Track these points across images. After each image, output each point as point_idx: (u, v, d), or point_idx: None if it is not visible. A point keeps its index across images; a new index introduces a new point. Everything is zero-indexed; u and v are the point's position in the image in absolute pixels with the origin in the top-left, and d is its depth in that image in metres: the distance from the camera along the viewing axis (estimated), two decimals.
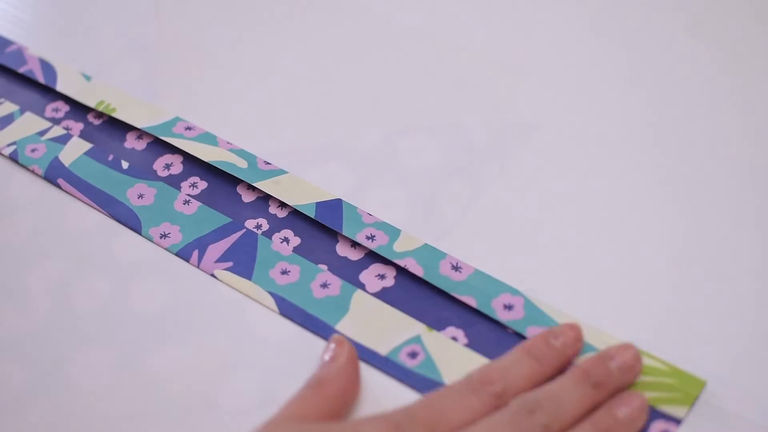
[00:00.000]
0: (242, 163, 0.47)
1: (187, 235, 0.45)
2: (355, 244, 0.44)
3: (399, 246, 0.43)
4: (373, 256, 0.43)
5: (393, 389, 0.40)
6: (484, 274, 0.42)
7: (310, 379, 0.38)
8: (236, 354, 0.41)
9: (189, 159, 0.48)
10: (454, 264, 0.42)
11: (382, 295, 0.42)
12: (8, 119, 0.51)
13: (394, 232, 0.43)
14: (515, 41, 0.54)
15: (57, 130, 0.50)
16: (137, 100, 0.50)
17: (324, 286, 0.43)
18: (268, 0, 0.56)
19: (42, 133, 0.50)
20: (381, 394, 0.40)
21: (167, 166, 0.48)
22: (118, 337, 0.42)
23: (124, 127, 0.50)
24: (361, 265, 0.43)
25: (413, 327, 0.41)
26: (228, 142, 0.48)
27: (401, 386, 0.40)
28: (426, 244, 0.43)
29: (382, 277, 0.42)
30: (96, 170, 0.48)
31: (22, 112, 0.51)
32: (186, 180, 0.47)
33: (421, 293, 0.42)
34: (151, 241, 0.45)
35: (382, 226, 0.44)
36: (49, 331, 0.43)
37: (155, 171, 0.48)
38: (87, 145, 0.49)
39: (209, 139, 0.48)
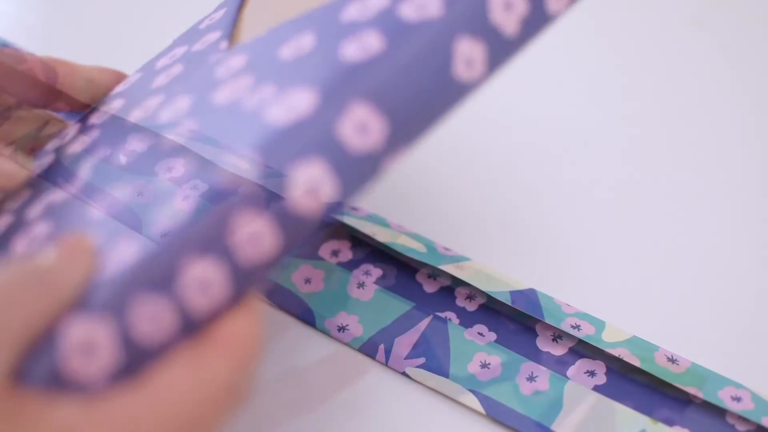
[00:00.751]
0: (421, 248, 0.43)
1: (369, 327, 0.42)
2: (556, 339, 0.41)
3: (607, 336, 0.41)
4: (578, 351, 0.41)
5: (395, 390, 0.40)
6: (702, 368, 0.40)
7: None
8: None
9: (359, 245, 0.45)
10: (670, 356, 0.40)
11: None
12: None
13: (599, 323, 0.41)
14: None
15: None
16: None
17: (531, 379, 0.40)
18: None
19: None
20: (383, 394, 0.40)
21: (335, 253, 0.44)
22: None
23: None
24: (566, 361, 0.41)
25: (636, 421, 0.39)
26: (400, 225, 0.45)
27: (403, 387, 0.40)
28: (635, 336, 0.41)
29: (592, 374, 0.40)
30: None
31: None
32: (358, 268, 0.44)
33: (637, 389, 0.40)
34: (329, 335, 0.42)
35: (586, 316, 0.41)
36: None
37: (322, 258, 0.44)
38: None
39: (379, 220, 0.45)
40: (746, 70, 0.53)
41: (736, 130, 0.50)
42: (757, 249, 0.45)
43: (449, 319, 0.42)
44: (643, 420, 0.39)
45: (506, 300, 0.41)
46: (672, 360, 0.40)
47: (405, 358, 0.41)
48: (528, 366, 0.40)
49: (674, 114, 0.51)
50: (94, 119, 0.46)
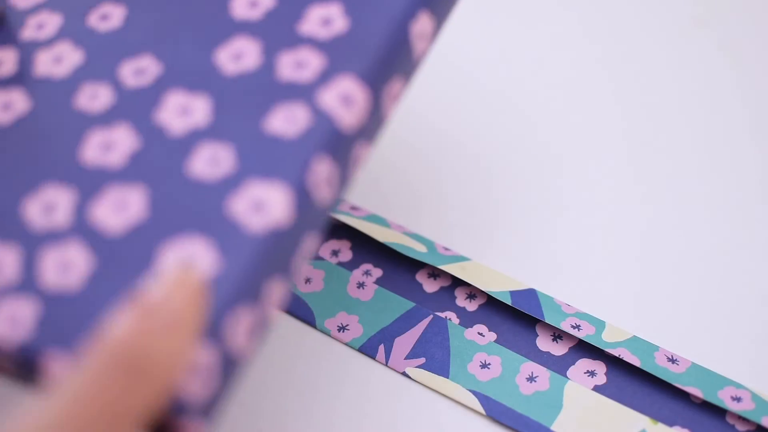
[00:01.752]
0: (421, 248, 0.43)
1: (369, 327, 0.42)
2: (556, 339, 0.41)
3: (608, 336, 0.41)
4: (578, 351, 0.41)
5: (395, 390, 0.40)
6: (702, 368, 0.40)
7: None
8: None
9: (359, 245, 0.45)
10: (670, 356, 0.40)
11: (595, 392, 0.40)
12: None
13: (599, 323, 0.41)
14: (512, 40, 0.54)
15: None
16: None
17: (531, 379, 0.40)
18: None
19: None
20: (386, 393, 0.40)
21: (335, 253, 0.44)
22: None
23: None
24: (567, 360, 0.41)
25: (636, 421, 0.39)
26: (400, 225, 0.45)
27: (403, 387, 0.40)
28: (635, 336, 0.41)
29: (592, 374, 0.40)
30: None
31: None
32: (358, 268, 0.44)
33: (637, 389, 0.40)
34: (329, 335, 0.42)
35: (586, 316, 0.41)
36: None
37: (322, 258, 0.44)
38: None
39: (379, 220, 0.45)
40: (748, 70, 0.53)
41: (736, 131, 0.50)
42: (758, 249, 0.45)
43: (449, 319, 0.42)
44: (643, 420, 0.39)
45: (506, 300, 0.41)
46: (672, 360, 0.40)
47: (405, 358, 0.41)
48: (528, 366, 0.40)
49: (676, 114, 0.51)
50: None
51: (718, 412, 0.39)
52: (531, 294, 0.42)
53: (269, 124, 0.30)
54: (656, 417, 0.39)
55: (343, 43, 0.31)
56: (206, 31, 0.32)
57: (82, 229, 0.29)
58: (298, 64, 0.31)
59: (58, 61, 0.33)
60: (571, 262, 0.44)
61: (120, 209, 0.29)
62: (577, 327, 0.41)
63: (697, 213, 0.46)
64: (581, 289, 0.43)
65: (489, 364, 0.41)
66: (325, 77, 0.30)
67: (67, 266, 0.28)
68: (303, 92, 0.30)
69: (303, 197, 0.29)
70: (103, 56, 0.32)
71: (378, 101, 0.31)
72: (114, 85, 0.32)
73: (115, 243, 0.28)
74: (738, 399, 0.38)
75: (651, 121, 0.50)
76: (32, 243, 0.29)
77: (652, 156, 0.49)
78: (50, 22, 0.34)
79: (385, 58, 0.31)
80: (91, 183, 0.29)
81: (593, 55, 0.54)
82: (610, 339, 0.40)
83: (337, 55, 0.31)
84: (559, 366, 0.40)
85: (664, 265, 0.44)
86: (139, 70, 0.32)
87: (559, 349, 0.41)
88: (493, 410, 0.39)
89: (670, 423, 0.38)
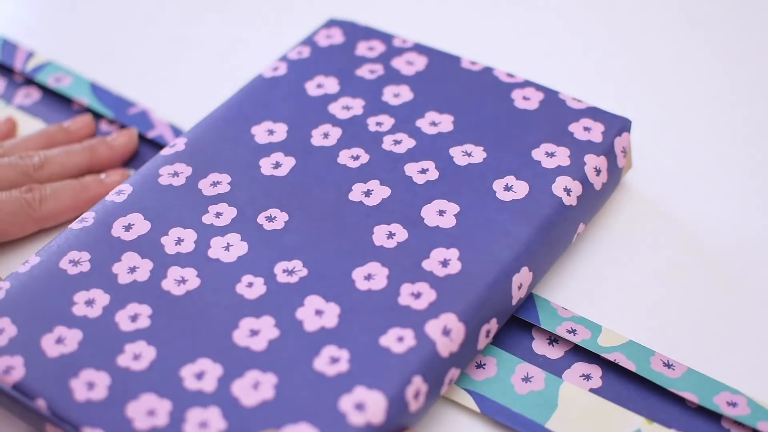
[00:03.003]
0: None
1: None
2: (552, 342, 0.41)
3: (603, 341, 0.41)
4: (574, 355, 0.41)
5: None
6: (698, 373, 0.40)
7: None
8: None
9: None
10: (666, 361, 0.40)
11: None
12: None
13: (595, 328, 0.41)
14: (518, 48, 0.55)
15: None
16: None
17: (526, 380, 0.40)
18: None
19: None
20: None
21: None
22: None
23: None
24: (562, 364, 0.41)
25: (631, 421, 0.39)
26: None
27: None
28: (631, 340, 0.41)
29: (587, 377, 0.40)
30: None
31: None
32: None
33: (633, 393, 0.40)
34: None
35: (582, 320, 0.41)
36: None
37: None
38: None
39: None
40: (746, 69, 0.53)
41: (735, 131, 0.50)
42: (754, 253, 0.45)
43: None
44: (638, 420, 0.38)
45: None
46: (668, 365, 0.40)
47: None
48: (523, 367, 0.40)
49: (674, 113, 0.51)
50: None
51: (713, 416, 0.39)
52: (527, 297, 0.42)
53: (381, 340, 0.37)
54: (652, 420, 0.39)
55: (454, 282, 0.38)
56: (349, 251, 0.40)
57: (222, 397, 0.36)
58: (415, 295, 0.38)
59: (227, 248, 0.41)
60: (568, 265, 0.44)
61: (254, 388, 0.36)
62: (573, 331, 0.40)
63: (695, 215, 0.46)
64: (578, 292, 0.43)
65: (484, 364, 0.40)
66: (433, 310, 0.38)
67: (205, 425, 0.35)
68: (414, 319, 0.37)
69: (397, 405, 0.35)
70: (263, 252, 0.40)
71: (473, 336, 0.38)
72: (267, 279, 0.39)
73: (246, 412, 0.35)
74: (733, 404, 0.38)
75: (650, 123, 0.50)
76: (182, 400, 0.36)
77: (651, 156, 0.49)
78: (227, 212, 0.42)
79: (485, 302, 0.38)
80: (237, 363, 0.37)
81: (592, 55, 0.54)
82: (605, 343, 0.40)
83: (447, 293, 0.38)
84: (555, 370, 0.40)
85: (660, 270, 0.44)
86: (289, 271, 0.40)
87: (554, 353, 0.41)
88: (487, 408, 0.39)
89: (666, 427, 0.38)
